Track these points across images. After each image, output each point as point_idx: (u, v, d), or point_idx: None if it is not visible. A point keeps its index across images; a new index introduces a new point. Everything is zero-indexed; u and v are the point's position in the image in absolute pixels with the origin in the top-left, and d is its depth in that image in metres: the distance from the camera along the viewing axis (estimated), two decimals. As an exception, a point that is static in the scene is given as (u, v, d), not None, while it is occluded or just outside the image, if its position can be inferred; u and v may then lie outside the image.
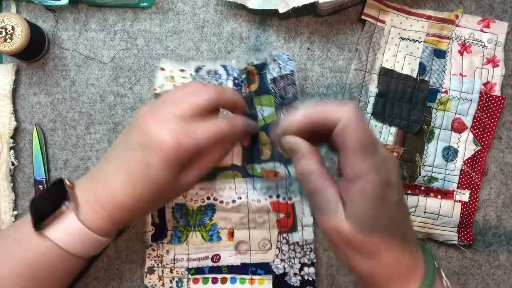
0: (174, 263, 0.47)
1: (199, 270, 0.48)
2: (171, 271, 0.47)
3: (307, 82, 0.50)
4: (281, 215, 0.47)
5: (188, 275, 0.47)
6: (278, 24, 0.50)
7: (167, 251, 0.47)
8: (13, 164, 0.48)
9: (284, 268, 0.47)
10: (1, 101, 0.48)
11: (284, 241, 0.47)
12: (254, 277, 0.48)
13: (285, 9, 0.46)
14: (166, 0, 0.49)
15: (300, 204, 0.47)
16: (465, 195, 0.49)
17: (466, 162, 0.49)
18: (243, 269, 0.48)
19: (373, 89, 0.49)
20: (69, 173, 0.49)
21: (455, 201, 0.49)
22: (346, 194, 0.32)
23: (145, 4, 0.49)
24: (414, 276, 0.34)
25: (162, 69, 0.47)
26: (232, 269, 0.48)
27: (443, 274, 0.35)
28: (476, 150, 0.49)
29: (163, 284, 0.47)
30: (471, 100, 0.49)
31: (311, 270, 0.47)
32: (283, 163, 0.47)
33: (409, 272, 0.34)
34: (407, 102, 0.49)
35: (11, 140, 0.48)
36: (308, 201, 0.39)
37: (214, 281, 0.48)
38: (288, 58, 0.46)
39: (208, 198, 0.47)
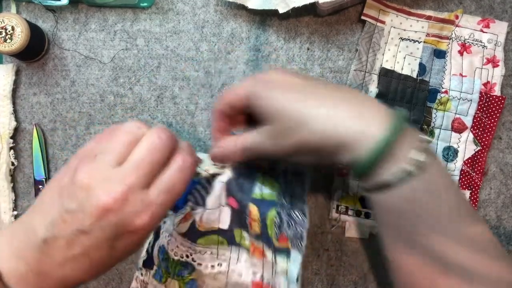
0: None
1: None
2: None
3: (307, 82, 0.50)
4: None
5: None
6: (278, 24, 0.50)
7: (153, 284, 0.44)
8: (13, 164, 0.48)
9: None
10: (1, 101, 0.48)
11: None
12: None
13: (285, 9, 0.46)
14: (166, 0, 0.49)
15: None
16: (465, 196, 0.49)
17: (466, 162, 0.49)
18: None
19: (373, 89, 0.49)
20: (69, 173, 0.49)
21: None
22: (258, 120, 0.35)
23: (145, 4, 0.49)
24: (378, 116, 0.31)
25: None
26: None
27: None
28: (476, 150, 0.49)
29: None
30: (471, 100, 0.49)
31: None
32: (271, 248, 0.41)
33: (370, 112, 0.31)
34: (407, 102, 0.49)
35: (11, 140, 0.48)
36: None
37: None
38: (303, 216, 0.41)
39: (187, 256, 0.42)
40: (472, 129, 0.49)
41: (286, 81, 0.35)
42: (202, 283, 0.42)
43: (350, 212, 0.49)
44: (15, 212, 0.48)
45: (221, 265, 0.41)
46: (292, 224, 0.41)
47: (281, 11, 0.46)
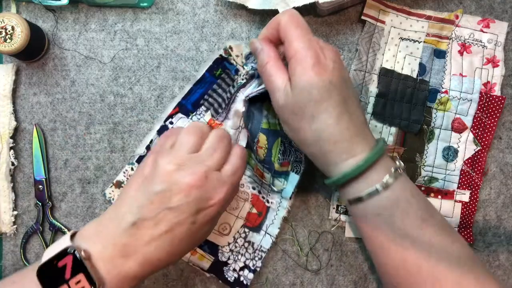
0: None
1: None
2: None
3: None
4: (254, 210, 0.48)
5: None
6: (278, 24, 0.50)
7: None
8: (13, 164, 0.48)
9: (228, 258, 0.48)
10: (1, 101, 0.48)
11: (243, 235, 0.48)
12: (198, 250, 0.48)
13: (285, 9, 0.46)
14: (166, 0, 0.49)
15: (274, 212, 0.48)
16: (465, 195, 0.49)
17: (466, 162, 0.49)
18: None
19: (373, 89, 0.49)
20: (69, 173, 0.49)
21: (455, 201, 0.49)
22: (290, 70, 0.38)
23: (145, 4, 0.49)
24: (364, 142, 0.38)
25: (230, 49, 0.48)
26: None
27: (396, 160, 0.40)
28: (476, 150, 0.49)
29: None
30: (471, 100, 0.49)
31: (250, 275, 0.48)
32: (271, 173, 0.48)
33: (358, 138, 0.38)
34: (407, 102, 0.49)
35: (11, 140, 0.48)
36: (266, 87, 0.42)
37: None
38: None
39: None
40: (472, 129, 0.49)
41: (337, 78, 0.38)
42: None
43: (349, 212, 0.49)
44: (15, 212, 0.48)
45: None
46: (293, 151, 0.47)
47: (281, 11, 0.46)
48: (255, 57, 0.42)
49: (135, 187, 0.37)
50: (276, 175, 0.48)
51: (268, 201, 0.48)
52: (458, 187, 0.49)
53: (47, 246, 0.48)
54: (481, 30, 0.49)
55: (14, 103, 0.49)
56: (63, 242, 0.35)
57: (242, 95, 0.46)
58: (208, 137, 0.39)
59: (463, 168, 0.49)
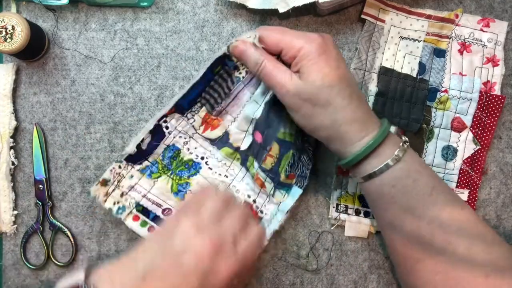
0: (129, 190, 0.46)
1: (145, 211, 0.46)
2: (122, 195, 0.46)
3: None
4: None
5: (133, 209, 0.46)
6: (278, 24, 0.50)
7: (131, 176, 0.46)
8: (13, 163, 0.48)
9: None
10: (1, 100, 0.48)
11: None
12: None
13: (285, 9, 0.46)
14: (166, 0, 0.50)
15: (266, 223, 0.47)
16: (464, 195, 0.49)
17: (466, 161, 0.49)
18: None
19: (372, 88, 0.49)
20: (69, 172, 0.49)
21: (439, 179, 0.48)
22: (297, 66, 0.40)
23: (145, 4, 0.49)
24: (373, 120, 0.41)
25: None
26: None
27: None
28: (475, 150, 0.49)
29: (105, 201, 0.45)
30: (471, 99, 0.49)
31: None
32: (274, 183, 0.47)
33: (368, 116, 0.41)
34: (407, 101, 0.49)
35: (11, 140, 0.48)
36: (268, 86, 0.43)
37: (150, 229, 0.46)
38: (309, 160, 0.48)
39: (202, 158, 0.47)
40: (471, 128, 0.49)
41: (338, 62, 0.40)
42: (197, 186, 0.47)
43: (349, 211, 0.49)
44: (15, 212, 0.48)
45: (227, 177, 0.48)
46: (300, 166, 0.47)
47: (281, 10, 0.46)
48: (243, 60, 0.43)
49: (155, 239, 0.38)
50: (279, 186, 0.48)
51: (261, 212, 0.47)
52: (457, 186, 0.49)
53: (47, 245, 0.48)
54: (481, 30, 0.49)
55: (14, 102, 0.49)
56: (76, 277, 0.35)
57: (248, 93, 0.46)
58: (233, 210, 0.39)
59: (462, 167, 0.49)
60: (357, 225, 0.49)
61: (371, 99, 0.49)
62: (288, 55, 0.40)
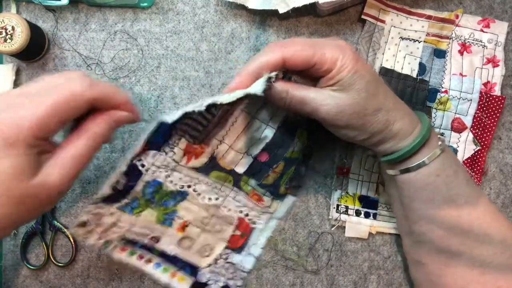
0: (111, 227, 0.43)
1: (131, 242, 0.44)
2: (103, 232, 0.42)
3: (307, 82, 0.50)
4: (238, 232, 0.47)
5: (118, 243, 0.44)
6: (278, 25, 0.50)
7: (111, 213, 0.42)
8: (13, 164, 0.48)
9: (208, 279, 0.47)
10: (1, 101, 0.48)
11: (225, 256, 0.47)
12: (179, 272, 0.46)
13: (285, 10, 0.46)
14: (166, 0, 0.49)
15: (259, 232, 0.48)
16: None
17: (466, 162, 0.49)
18: (173, 260, 0.46)
19: (373, 89, 0.49)
20: (69, 173, 0.49)
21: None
22: (333, 79, 0.37)
23: (145, 4, 0.49)
24: (413, 112, 0.41)
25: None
26: (163, 255, 0.46)
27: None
28: (475, 150, 0.49)
29: (87, 238, 0.41)
30: (471, 100, 0.49)
31: None
32: (273, 195, 0.47)
33: (409, 110, 0.41)
34: (407, 101, 0.48)
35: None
36: (304, 114, 0.40)
37: (140, 257, 0.45)
38: (307, 170, 0.49)
39: (189, 187, 0.44)
40: (472, 129, 0.49)
41: (369, 67, 0.39)
42: (184, 212, 0.45)
43: (350, 212, 0.49)
44: (15, 212, 0.48)
45: (218, 199, 0.45)
46: (297, 178, 0.48)
47: (281, 11, 0.46)
48: (264, 94, 0.36)
49: None
50: (276, 197, 0.48)
51: (254, 223, 0.47)
52: (458, 187, 0.49)
53: (47, 246, 0.48)
54: (481, 30, 0.49)
55: (14, 103, 0.49)
56: None
57: (241, 113, 0.42)
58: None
59: (463, 168, 0.49)
60: (357, 226, 0.49)
61: (371, 100, 0.49)
62: (323, 69, 0.37)
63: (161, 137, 0.40)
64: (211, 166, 0.44)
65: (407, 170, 0.40)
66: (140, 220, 0.44)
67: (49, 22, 0.49)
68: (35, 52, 0.48)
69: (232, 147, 0.44)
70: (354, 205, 0.49)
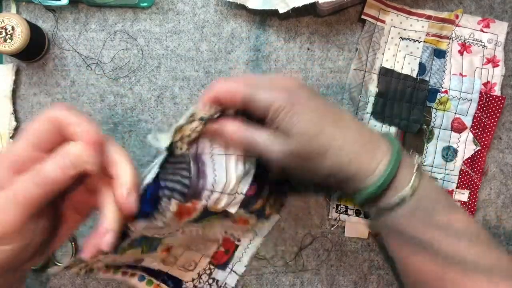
0: (94, 263, 0.38)
1: (115, 266, 0.44)
2: (87, 266, 0.36)
3: (307, 82, 0.50)
4: (221, 249, 0.48)
5: (103, 267, 0.42)
6: (278, 25, 0.50)
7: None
8: (13, 164, 0.48)
9: None
10: (1, 101, 0.48)
11: (208, 271, 0.48)
12: (162, 285, 0.47)
13: (285, 10, 0.46)
14: (166, 0, 0.49)
15: (243, 249, 0.48)
16: (464, 195, 0.49)
17: (466, 162, 0.49)
18: (157, 274, 0.47)
19: (372, 88, 0.49)
20: (69, 173, 0.49)
21: (455, 201, 0.49)
22: (274, 122, 0.35)
23: (145, 4, 0.49)
24: (378, 145, 0.36)
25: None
26: (146, 269, 0.46)
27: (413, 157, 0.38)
28: (475, 150, 0.49)
29: (67, 268, 0.34)
30: (471, 100, 0.49)
31: None
32: (259, 217, 0.47)
33: (372, 142, 0.36)
34: (407, 102, 0.49)
35: (11, 140, 0.48)
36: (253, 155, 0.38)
37: (124, 274, 0.45)
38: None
39: (177, 230, 0.42)
40: (471, 129, 0.49)
41: (316, 101, 0.36)
42: (170, 238, 0.43)
43: (349, 212, 0.49)
44: (15, 212, 0.48)
45: (204, 228, 0.45)
46: (281, 197, 0.49)
47: (281, 11, 0.46)
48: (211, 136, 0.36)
49: None
50: (262, 218, 0.48)
51: (238, 240, 0.48)
52: (457, 187, 0.49)
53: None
54: (481, 30, 0.49)
55: (14, 103, 0.49)
56: None
57: (233, 164, 0.38)
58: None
59: (462, 168, 0.49)
60: (357, 226, 0.49)
61: (371, 100, 0.49)
62: (259, 112, 0.35)
63: (146, 203, 0.34)
64: (204, 215, 0.40)
65: (390, 207, 0.36)
66: (125, 256, 0.41)
67: (49, 22, 0.49)
68: (35, 52, 0.48)
69: (224, 192, 0.39)
70: (354, 205, 0.49)
